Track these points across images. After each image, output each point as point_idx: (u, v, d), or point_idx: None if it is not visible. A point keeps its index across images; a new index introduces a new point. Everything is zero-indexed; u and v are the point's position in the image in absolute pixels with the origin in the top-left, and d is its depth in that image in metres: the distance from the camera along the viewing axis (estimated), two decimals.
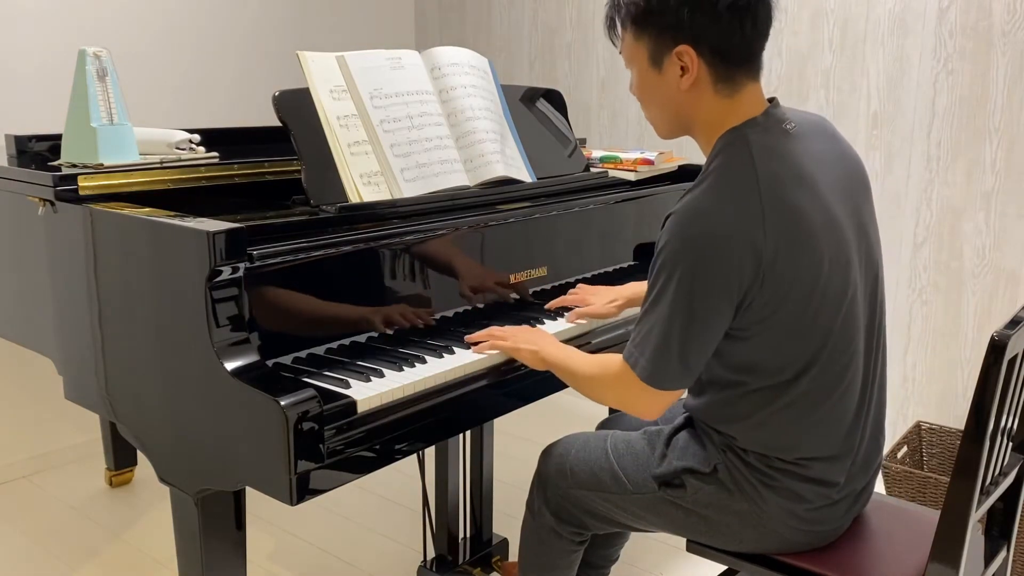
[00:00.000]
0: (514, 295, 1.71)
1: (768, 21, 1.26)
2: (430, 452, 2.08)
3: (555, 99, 2.08)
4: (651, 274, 1.25)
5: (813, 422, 1.30)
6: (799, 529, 1.35)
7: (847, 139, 1.40)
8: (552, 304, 1.70)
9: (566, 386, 1.64)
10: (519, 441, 3.02)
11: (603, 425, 1.76)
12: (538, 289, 1.76)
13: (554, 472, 1.53)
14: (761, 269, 1.19)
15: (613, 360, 1.34)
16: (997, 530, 1.47)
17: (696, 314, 1.21)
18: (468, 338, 1.50)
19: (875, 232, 1.37)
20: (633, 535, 2.05)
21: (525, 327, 1.54)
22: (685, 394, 1.44)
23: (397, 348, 1.48)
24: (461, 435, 2.00)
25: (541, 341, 1.47)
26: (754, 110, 1.29)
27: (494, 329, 1.51)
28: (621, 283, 1.78)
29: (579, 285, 1.78)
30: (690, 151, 2.96)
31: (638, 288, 1.70)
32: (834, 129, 1.38)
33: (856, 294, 1.30)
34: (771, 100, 1.32)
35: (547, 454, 1.57)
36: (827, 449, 1.32)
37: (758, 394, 1.30)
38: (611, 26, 1.35)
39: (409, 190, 1.59)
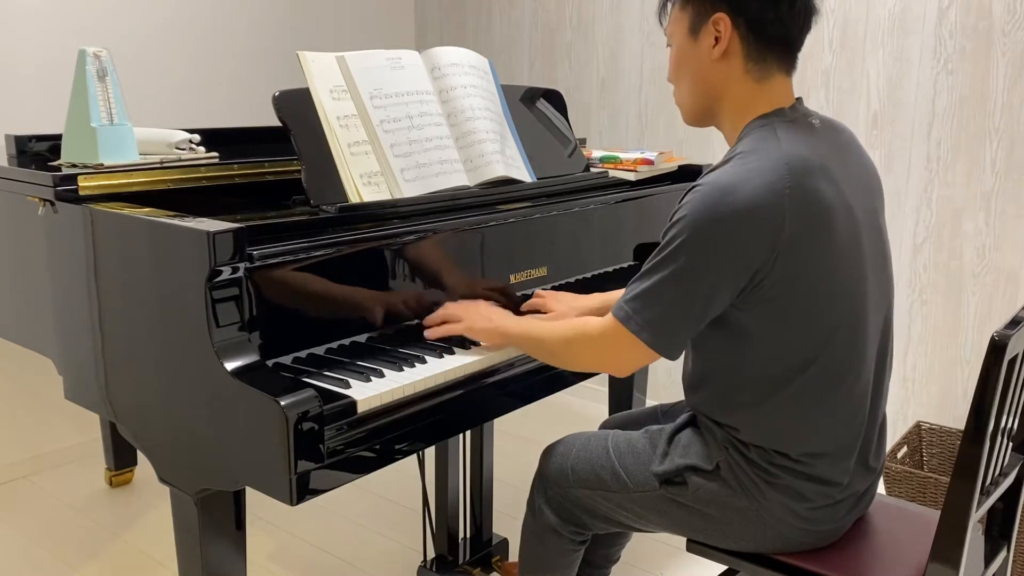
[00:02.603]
0: (517, 294, 1.71)
1: (807, 12, 1.29)
2: (430, 452, 2.08)
3: (555, 99, 2.08)
4: (663, 237, 1.25)
5: (817, 416, 1.30)
6: (800, 528, 1.35)
7: None
8: (524, 307, 1.69)
9: (566, 386, 1.64)
10: (519, 441, 3.02)
11: (605, 425, 1.76)
12: (538, 289, 1.75)
13: (555, 471, 1.53)
14: (777, 247, 1.20)
15: (590, 321, 1.35)
16: (997, 530, 1.47)
17: (705, 283, 1.22)
18: (426, 321, 1.50)
19: (886, 236, 1.39)
20: (634, 535, 2.05)
21: (480, 302, 1.53)
22: (687, 392, 1.44)
23: (397, 348, 1.48)
24: (461, 435, 2.00)
25: (497, 316, 1.47)
26: (782, 102, 1.32)
27: (449, 306, 1.51)
28: (621, 284, 1.78)
29: (541, 291, 1.74)
30: (690, 151, 2.97)
31: (606, 298, 1.66)
32: (854, 136, 1.41)
33: (867, 290, 1.31)
34: (798, 99, 1.36)
35: (548, 453, 1.57)
36: (830, 446, 1.32)
37: (763, 384, 1.30)
38: (663, 7, 1.39)
39: (409, 190, 1.59)
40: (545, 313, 1.65)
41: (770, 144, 1.24)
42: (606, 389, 2.52)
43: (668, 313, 1.25)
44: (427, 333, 1.49)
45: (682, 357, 1.43)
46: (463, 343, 1.51)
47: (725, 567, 1.45)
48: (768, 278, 1.22)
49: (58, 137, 1.66)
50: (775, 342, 1.27)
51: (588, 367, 1.40)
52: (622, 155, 2.12)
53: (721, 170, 1.24)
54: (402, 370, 1.38)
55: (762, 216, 1.19)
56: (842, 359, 1.29)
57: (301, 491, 1.19)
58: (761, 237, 1.19)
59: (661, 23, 1.41)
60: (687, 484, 1.39)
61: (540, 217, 1.75)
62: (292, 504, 1.18)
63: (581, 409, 3.33)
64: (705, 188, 1.22)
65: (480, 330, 1.47)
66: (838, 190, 1.26)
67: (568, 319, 1.43)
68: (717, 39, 1.30)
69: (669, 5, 1.38)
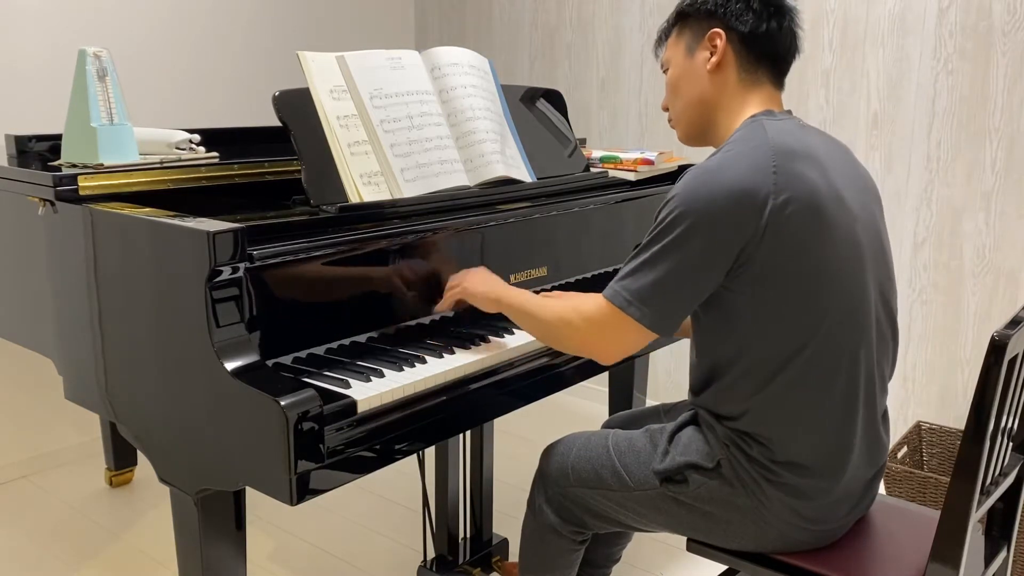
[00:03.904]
0: None
1: (792, 35, 1.40)
2: (430, 452, 2.08)
3: (555, 99, 2.08)
4: (654, 219, 1.30)
5: (815, 405, 1.31)
6: (800, 527, 1.35)
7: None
8: None
9: (566, 386, 1.64)
10: (519, 441, 3.02)
11: (606, 425, 1.76)
12: (538, 289, 1.76)
13: (555, 470, 1.53)
14: (764, 221, 1.23)
15: (584, 302, 1.36)
16: (997, 530, 1.48)
17: (694, 257, 1.25)
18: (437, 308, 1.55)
19: (887, 239, 1.41)
20: (635, 535, 2.05)
21: (481, 268, 1.57)
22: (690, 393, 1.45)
23: (397, 348, 1.48)
24: (461, 435, 2.00)
25: (495, 283, 1.51)
26: (772, 107, 1.40)
27: (453, 276, 1.55)
28: None
29: (553, 292, 1.75)
30: (690, 151, 2.97)
31: None
32: (849, 149, 1.45)
33: (866, 281, 1.32)
34: (787, 111, 1.42)
35: (548, 452, 1.57)
36: (830, 438, 1.32)
37: (763, 369, 1.30)
38: (660, 39, 1.51)
39: (409, 190, 1.59)
40: None
41: (757, 134, 1.30)
42: (606, 389, 2.52)
43: (657, 287, 1.27)
44: (436, 307, 1.54)
45: (687, 366, 1.44)
46: (463, 343, 1.51)
47: (725, 567, 1.45)
48: (758, 252, 1.24)
49: (58, 137, 1.66)
50: (772, 323, 1.29)
51: (578, 350, 1.41)
52: (622, 155, 2.12)
53: (711, 159, 1.30)
54: (402, 370, 1.38)
55: (748, 191, 1.23)
56: (838, 345, 1.30)
57: (301, 491, 1.19)
58: (748, 210, 1.23)
59: (657, 55, 1.51)
60: (688, 482, 1.39)
61: (540, 217, 1.75)
62: (292, 504, 1.19)
63: (581, 409, 3.33)
64: (694, 171, 1.29)
65: (477, 294, 1.50)
66: (827, 179, 1.29)
67: (563, 300, 1.44)
68: (712, 53, 1.39)
69: (666, 36, 1.49)
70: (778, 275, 1.26)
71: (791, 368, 1.29)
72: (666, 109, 1.50)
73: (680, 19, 1.45)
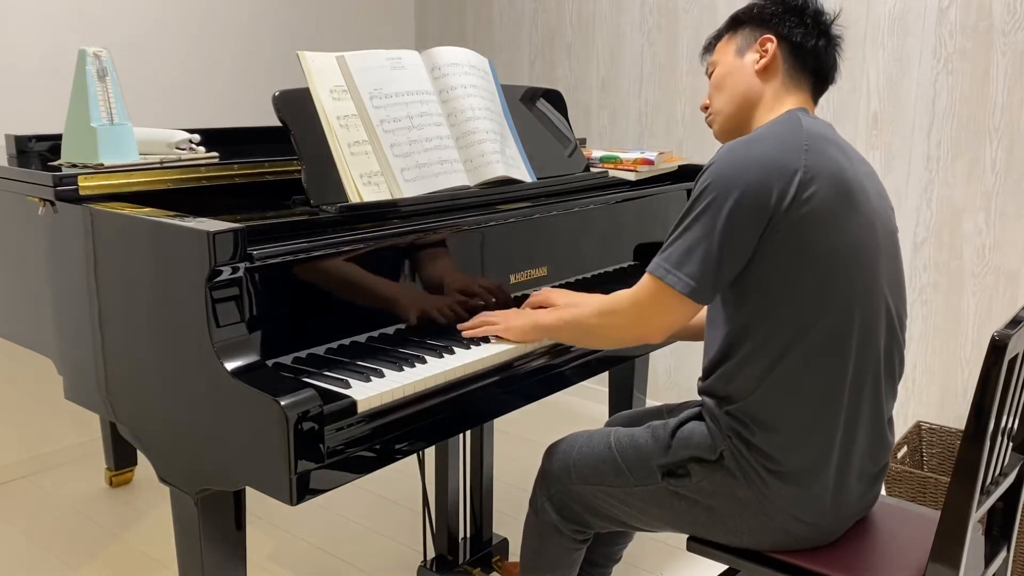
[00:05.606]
0: (515, 294, 1.71)
1: (834, 59, 1.49)
2: (430, 452, 2.08)
3: (555, 99, 2.08)
4: (691, 195, 1.34)
5: (820, 385, 1.31)
6: (801, 521, 1.35)
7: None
8: (523, 307, 1.69)
9: (566, 385, 1.64)
10: (519, 441, 3.02)
11: (610, 424, 1.76)
12: (538, 289, 1.75)
13: (557, 468, 1.54)
14: (792, 192, 1.26)
15: (622, 291, 1.41)
16: (997, 530, 1.48)
17: (726, 227, 1.28)
18: (460, 326, 1.56)
19: (899, 249, 1.44)
20: (635, 535, 2.05)
21: (514, 310, 1.60)
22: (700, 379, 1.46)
23: (397, 348, 1.48)
24: (461, 435, 2.00)
25: (528, 313, 1.56)
26: (808, 109, 1.46)
27: (485, 314, 1.57)
28: (622, 283, 1.78)
29: (544, 289, 1.74)
30: (690, 151, 2.98)
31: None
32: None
33: (878, 267, 1.34)
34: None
35: (551, 451, 1.58)
36: (830, 425, 1.32)
37: (772, 347, 1.32)
38: (708, 47, 1.57)
39: (409, 190, 1.59)
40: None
41: (792, 120, 1.36)
42: (606, 389, 2.52)
43: (691, 254, 1.30)
44: (464, 331, 1.55)
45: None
46: (463, 343, 1.51)
47: (726, 567, 1.45)
48: (783, 223, 1.27)
49: (58, 137, 1.66)
50: (788, 298, 1.30)
51: (626, 336, 1.42)
52: (622, 155, 2.12)
53: (745, 136, 1.36)
54: (402, 370, 1.38)
55: (779, 163, 1.28)
56: (848, 329, 1.31)
57: (301, 491, 1.19)
58: (776, 180, 1.27)
59: (703, 61, 1.59)
60: (690, 476, 1.40)
61: (540, 217, 1.75)
62: (292, 504, 1.19)
63: (581, 409, 3.33)
64: (728, 145, 1.34)
65: (517, 327, 1.52)
66: (854, 170, 1.34)
67: (599, 296, 1.48)
68: (762, 56, 1.45)
69: (716, 40, 1.55)
70: (798, 249, 1.28)
71: (802, 346, 1.30)
72: (705, 108, 1.54)
73: (734, 24, 1.51)
